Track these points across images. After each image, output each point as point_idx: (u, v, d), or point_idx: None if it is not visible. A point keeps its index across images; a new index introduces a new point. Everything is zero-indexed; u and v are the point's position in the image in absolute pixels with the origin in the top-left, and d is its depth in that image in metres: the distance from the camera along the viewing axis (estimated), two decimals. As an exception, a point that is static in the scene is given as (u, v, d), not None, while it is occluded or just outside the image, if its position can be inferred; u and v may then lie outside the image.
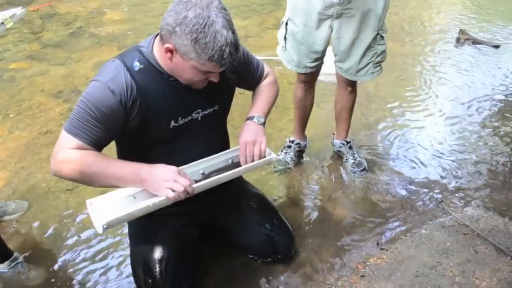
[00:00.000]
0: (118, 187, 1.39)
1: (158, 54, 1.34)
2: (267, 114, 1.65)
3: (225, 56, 1.22)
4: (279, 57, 2.22)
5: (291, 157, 2.45)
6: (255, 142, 1.52)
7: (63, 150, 1.30)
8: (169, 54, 1.27)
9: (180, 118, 1.44)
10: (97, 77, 1.32)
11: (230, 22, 1.23)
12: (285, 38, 2.11)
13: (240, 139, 1.53)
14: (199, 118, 1.49)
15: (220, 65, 1.26)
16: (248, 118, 1.60)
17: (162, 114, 1.40)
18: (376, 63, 2.09)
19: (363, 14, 1.93)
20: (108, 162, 1.33)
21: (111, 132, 1.35)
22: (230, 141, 1.72)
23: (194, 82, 1.36)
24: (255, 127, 1.56)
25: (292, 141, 2.50)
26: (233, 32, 1.23)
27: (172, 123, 1.43)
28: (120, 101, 1.30)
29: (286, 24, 2.08)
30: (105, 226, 1.27)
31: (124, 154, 1.52)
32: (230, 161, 1.59)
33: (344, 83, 2.23)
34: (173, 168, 1.35)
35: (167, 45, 1.24)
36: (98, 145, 1.34)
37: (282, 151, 2.49)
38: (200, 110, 1.48)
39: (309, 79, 2.25)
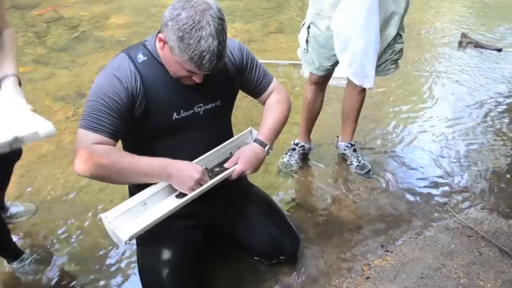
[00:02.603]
0: (140, 183, 1.43)
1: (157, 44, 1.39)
2: (274, 140, 1.66)
3: (204, 62, 1.26)
4: (300, 58, 2.24)
5: (295, 160, 2.46)
6: (253, 169, 1.56)
7: (85, 148, 1.32)
8: (161, 44, 1.33)
9: (182, 111, 1.47)
10: (104, 70, 1.39)
11: (220, 32, 1.26)
12: (307, 41, 2.13)
13: (241, 159, 1.53)
14: (201, 112, 1.51)
15: (198, 69, 1.30)
16: (257, 140, 1.60)
17: (164, 105, 1.43)
18: (393, 61, 2.13)
19: (386, 17, 1.95)
20: (133, 157, 1.38)
21: (124, 120, 1.38)
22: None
23: (179, 76, 1.39)
24: (259, 160, 1.58)
25: (297, 144, 2.51)
26: (220, 43, 1.26)
27: (174, 115, 1.46)
28: (126, 88, 1.35)
29: (308, 27, 2.09)
30: (127, 242, 1.31)
31: (129, 149, 1.53)
32: (229, 152, 1.61)
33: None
34: (198, 168, 1.43)
35: (160, 34, 1.32)
36: (115, 136, 1.38)
37: (286, 154, 2.50)
38: (202, 104, 1.51)
39: (322, 80, 2.27)
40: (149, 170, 1.39)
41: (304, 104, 2.39)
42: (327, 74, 2.23)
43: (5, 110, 1.38)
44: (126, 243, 1.31)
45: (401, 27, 2.05)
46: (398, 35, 2.07)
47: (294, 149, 2.50)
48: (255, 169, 1.58)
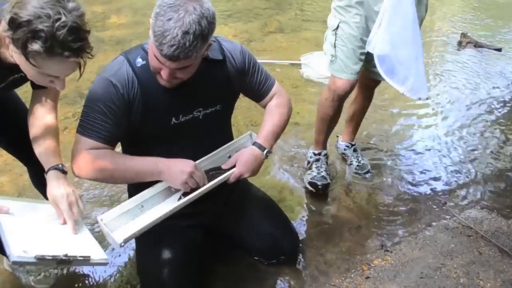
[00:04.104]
0: (135, 181, 1.44)
1: None
2: (273, 144, 1.64)
3: (164, 42, 1.18)
4: (330, 70, 2.03)
5: (325, 171, 2.24)
6: (251, 171, 1.55)
7: (80, 152, 1.36)
8: (150, 32, 1.26)
9: (181, 116, 1.46)
10: (102, 73, 1.39)
11: (195, 24, 1.18)
12: (334, 45, 1.95)
13: (239, 162, 1.53)
14: (201, 117, 1.50)
15: (158, 50, 1.21)
16: (256, 144, 1.58)
17: (162, 110, 1.42)
18: None
19: None
20: (126, 157, 1.41)
21: (119, 125, 1.39)
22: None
23: (155, 70, 1.33)
24: (258, 163, 1.56)
25: (319, 153, 2.31)
26: (187, 33, 1.17)
27: (173, 120, 1.45)
28: (122, 94, 1.35)
29: (336, 29, 1.93)
30: (122, 244, 1.32)
31: (128, 153, 1.54)
32: (228, 156, 1.61)
33: (366, 86, 2.21)
34: (190, 162, 1.42)
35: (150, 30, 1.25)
36: (110, 142, 1.40)
37: (310, 168, 2.27)
38: (201, 109, 1.49)
39: (349, 91, 2.04)
40: (141, 167, 1.40)
41: (323, 120, 2.18)
42: (356, 80, 2.03)
43: (64, 228, 1.34)
44: (121, 245, 1.32)
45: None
46: None
47: (318, 160, 2.28)
48: (253, 172, 1.57)
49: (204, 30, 1.21)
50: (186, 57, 1.22)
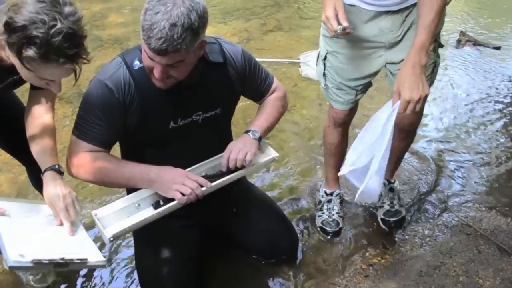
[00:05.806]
0: (128, 187, 1.45)
1: None
2: (266, 130, 1.60)
3: (151, 35, 1.16)
4: (325, 96, 1.89)
5: (337, 213, 2.01)
6: (240, 149, 1.47)
7: (75, 155, 1.37)
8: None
9: (179, 119, 1.44)
10: (98, 75, 1.37)
11: (183, 17, 1.15)
12: (324, 74, 1.80)
13: (232, 146, 1.51)
14: (200, 121, 1.48)
15: (146, 44, 1.19)
16: (245, 132, 1.57)
17: (160, 113, 1.41)
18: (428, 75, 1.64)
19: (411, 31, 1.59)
20: (118, 163, 1.40)
21: (114, 129, 1.39)
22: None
23: (148, 69, 1.30)
24: (247, 139, 1.53)
25: (331, 193, 2.08)
26: (174, 25, 1.15)
27: (171, 123, 1.43)
28: (118, 98, 1.34)
29: (325, 59, 1.75)
30: (111, 239, 1.32)
31: (126, 155, 1.54)
32: None
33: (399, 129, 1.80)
34: (181, 171, 1.40)
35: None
36: (105, 145, 1.40)
37: (321, 209, 2.04)
38: (201, 112, 1.47)
39: (348, 118, 1.89)
40: (132, 175, 1.39)
41: (329, 150, 1.99)
42: (354, 107, 1.86)
43: (61, 229, 1.33)
44: (110, 240, 1.32)
45: (438, 35, 1.74)
46: (437, 44, 1.78)
47: (330, 201, 2.05)
48: (245, 145, 1.48)
49: (193, 24, 1.18)
50: (175, 51, 1.18)
